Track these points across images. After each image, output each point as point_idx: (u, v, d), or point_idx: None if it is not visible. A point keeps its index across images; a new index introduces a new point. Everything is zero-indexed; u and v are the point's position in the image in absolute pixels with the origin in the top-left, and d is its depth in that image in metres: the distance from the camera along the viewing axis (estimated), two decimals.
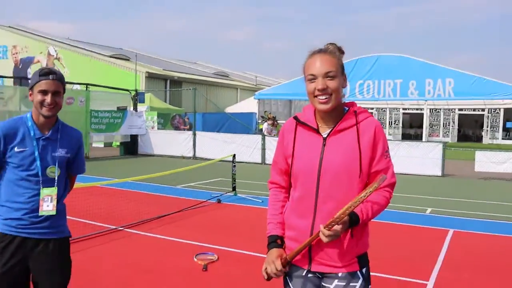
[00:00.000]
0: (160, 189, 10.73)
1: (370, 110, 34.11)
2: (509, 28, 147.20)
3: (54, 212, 2.71)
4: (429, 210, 9.30)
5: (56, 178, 2.74)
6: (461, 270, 5.56)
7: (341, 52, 2.24)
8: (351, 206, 1.96)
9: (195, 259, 5.57)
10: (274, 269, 2.14)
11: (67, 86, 21.27)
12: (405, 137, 32.74)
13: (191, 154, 18.95)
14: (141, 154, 20.09)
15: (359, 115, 2.19)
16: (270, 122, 18.98)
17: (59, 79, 2.70)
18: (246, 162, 17.06)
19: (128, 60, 30.26)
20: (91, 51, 30.94)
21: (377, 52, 22.86)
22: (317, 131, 2.19)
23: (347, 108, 2.23)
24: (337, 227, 1.99)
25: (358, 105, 2.27)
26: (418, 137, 30.50)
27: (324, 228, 1.99)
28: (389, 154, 2.22)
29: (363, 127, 2.16)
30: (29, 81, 2.77)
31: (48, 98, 2.64)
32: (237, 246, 6.22)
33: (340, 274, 2.14)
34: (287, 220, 2.26)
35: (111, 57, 30.12)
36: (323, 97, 2.09)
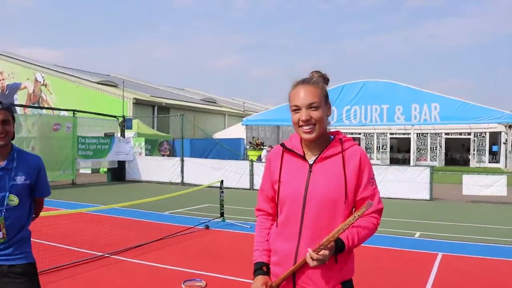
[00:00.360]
0: (147, 216, 10.63)
1: (357, 135, 34.40)
2: (493, 54, 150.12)
3: (4, 240, 2.76)
4: (418, 234, 9.29)
5: (4, 209, 2.77)
6: None
7: (326, 80, 2.29)
8: (339, 231, 1.97)
9: (183, 286, 5.48)
10: None
11: (55, 112, 21.31)
12: (393, 161, 32.98)
13: (179, 180, 18.87)
14: (128, 180, 19.97)
15: (344, 143, 2.23)
16: (269, 148, 19.01)
17: (7, 108, 2.77)
18: (234, 188, 17.00)
19: (115, 86, 30.30)
20: (79, 77, 30.95)
21: (363, 78, 23.17)
22: (303, 158, 2.22)
23: (332, 137, 2.28)
24: (325, 252, 1.99)
25: (343, 134, 2.31)
26: (406, 162, 30.72)
27: (313, 251, 1.99)
28: (375, 181, 2.26)
29: (349, 155, 2.20)
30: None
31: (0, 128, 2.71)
32: (225, 272, 6.14)
33: None
34: (272, 245, 2.27)
35: (98, 83, 30.15)
36: (307, 127, 2.14)
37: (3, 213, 2.77)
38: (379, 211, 2.24)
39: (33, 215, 3.04)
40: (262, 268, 2.23)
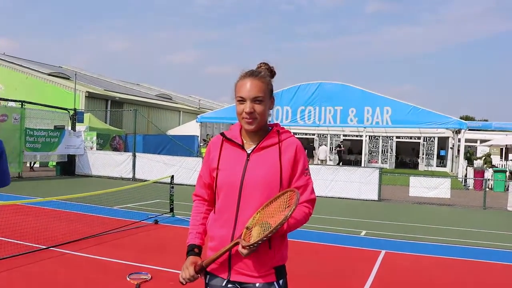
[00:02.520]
0: (95, 210, 10.43)
1: (311, 136, 34.84)
2: (445, 61, 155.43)
3: None
4: (363, 232, 9.54)
5: None
6: None
7: (272, 74, 2.37)
8: (272, 231, 2.02)
9: (128, 279, 5.41)
10: (188, 274, 2.20)
11: (2, 102, 20.55)
12: (345, 162, 33.57)
13: (130, 176, 18.61)
14: (78, 174, 19.54)
15: (281, 134, 2.33)
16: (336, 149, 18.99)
17: None
18: (186, 185, 16.91)
19: (67, 79, 29.51)
20: (28, 68, 29.93)
21: (318, 79, 23.52)
22: (242, 147, 2.31)
23: (270, 128, 2.37)
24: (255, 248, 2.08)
25: (281, 126, 2.41)
26: (358, 163, 31.32)
27: (244, 248, 2.06)
28: (309, 172, 2.34)
29: (285, 146, 2.29)
30: None
31: None
32: (171, 265, 6.13)
33: (257, 285, 2.20)
34: (210, 232, 2.34)
35: (49, 75, 29.27)
36: (249, 119, 2.23)
37: None
38: (312, 201, 2.32)
39: None
40: (194, 250, 2.30)
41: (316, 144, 34.19)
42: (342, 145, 31.92)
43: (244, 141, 2.32)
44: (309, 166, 2.44)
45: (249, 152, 2.28)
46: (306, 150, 31.23)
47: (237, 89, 2.28)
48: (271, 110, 2.36)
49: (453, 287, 5.97)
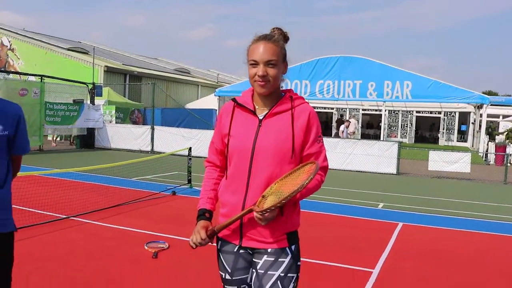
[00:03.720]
0: (114, 181, 10.56)
1: (330, 110, 34.60)
2: (466, 35, 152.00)
3: None
4: (381, 205, 9.50)
5: None
6: (406, 260, 5.71)
7: (286, 39, 2.32)
8: (287, 197, 2.00)
9: (146, 247, 5.51)
10: (199, 238, 2.19)
11: (22, 77, 20.76)
12: (364, 137, 33.31)
13: (149, 149, 18.76)
14: (98, 147, 19.75)
15: (294, 100, 2.28)
16: (347, 123, 18.90)
17: None
18: (204, 157, 16.85)
19: (86, 53, 29.62)
20: (48, 43, 30.08)
21: (338, 53, 23.20)
22: (253, 113, 2.26)
23: (284, 94, 2.32)
24: (272, 214, 2.06)
25: (294, 92, 2.36)
26: (377, 138, 31.05)
27: (260, 213, 2.05)
28: (322, 139, 2.31)
29: (298, 112, 2.25)
30: None
31: None
32: (188, 235, 6.09)
33: (269, 250, 2.19)
34: (221, 198, 2.33)
35: (68, 49, 29.39)
36: (262, 82, 2.18)
37: None
38: (324, 169, 2.29)
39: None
40: (204, 214, 2.29)
41: (334, 119, 33.98)
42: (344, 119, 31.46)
43: (256, 107, 2.28)
44: (326, 139, 2.39)
45: (261, 118, 2.24)
46: (336, 123, 31.44)
47: (250, 53, 2.23)
48: (284, 76, 2.31)
49: (471, 259, 5.92)
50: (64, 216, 6.87)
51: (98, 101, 20.67)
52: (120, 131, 19.72)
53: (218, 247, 2.33)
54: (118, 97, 24.93)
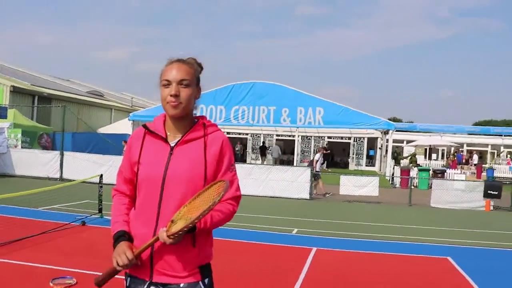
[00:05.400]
0: (18, 212, 9.91)
1: (245, 136, 34.96)
2: (373, 65, 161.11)
3: None
4: (295, 230, 9.67)
5: None
6: (320, 285, 5.82)
7: (200, 67, 2.30)
8: (198, 217, 1.95)
9: (51, 284, 5.20)
10: (125, 259, 2.05)
11: None
12: (276, 162, 33.90)
13: (57, 175, 17.86)
14: (0, 174, 18.51)
15: (207, 127, 2.25)
16: (321, 151, 17.73)
17: None
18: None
19: None
20: None
21: (252, 79, 23.63)
22: (165, 140, 2.21)
23: (196, 120, 2.28)
24: (178, 238, 2.01)
25: (207, 119, 2.33)
26: (290, 163, 31.73)
27: (168, 236, 1.98)
28: (235, 168, 2.29)
29: (211, 140, 2.21)
30: None
31: None
32: (98, 268, 5.86)
33: (182, 285, 2.12)
34: (131, 229, 2.21)
35: None
36: (175, 102, 2.13)
37: None
38: (237, 198, 2.27)
39: None
40: (124, 235, 2.16)
41: (249, 145, 34.44)
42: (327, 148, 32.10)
43: (168, 134, 2.22)
44: (241, 165, 2.39)
45: (172, 145, 2.18)
46: (259, 150, 32.53)
47: (163, 74, 2.19)
48: (199, 102, 2.28)
49: (380, 280, 6.16)
50: None
51: (2, 123, 19.46)
52: (26, 157, 18.61)
53: (127, 284, 2.22)
54: (25, 119, 23.60)
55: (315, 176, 16.44)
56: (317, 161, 17.24)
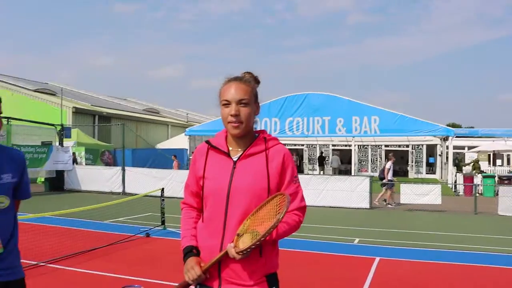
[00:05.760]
0: (86, 225, 10.31)
1: (300, 147, 34.86)
2: (428, 71, 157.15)
3: (1, 250, 2.38)
4: (357, 240, 9.51)
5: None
6: None
7: (257, 81, 2.35)
8: (264, 235, 1.99)
9: None
10: (194, 274, 2.14)
11: None
12: (335, 172, 33.58)
13: (120, 190, 18.45)
14: (67, 190, 19.32)
15: (268, 141, 2.29)
16: (392, 159, 17.20)
17: None
18: (177, 197, 16.77)
19: (54, 95, 29.33)
20: (14, 84, 29.71)
21: (305, 90, 23.61)
22: (228, 154, 2.26)
23: (257, 135, 2.33)
24: (247, 255, 2.06)
25: (268, 133, 2.37)
26: (347, 173, 31.35)
27: (237, 253, 2.04)
28: (298, 179, 2.31)
29: (272, 153, 2.25)
30: None
31: None
32: (164, 278, 6.04)
33: None
34: (198, 241, 2.28)
35: (35, 91, 29.07)
36: (235, 123, 2.19)
37: None
38: (302, 209, 2.29)
39: None
40: (192, 251, 2.24)
41: (305, 155, 34.34)
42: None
43: (230, 148, 2.28)
44: (299, 175, 2.40)
45: (235, 159, 2.24)
46: (318, 160, 32.67)
47: (222, 93, 2.25)
48: (257, 116, 2.32)
49: None
50: (34, 263, 6.64)
51: (67, 142, 20.37)
52: (90, 173, 19.40)
53: None
54: (87, 138, 24.65)
55: (387, 185, 16.16)
56: (388, 169, 16.79)
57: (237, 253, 2.02)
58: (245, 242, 2.03)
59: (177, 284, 2.23)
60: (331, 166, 31.88)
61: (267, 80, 2.38)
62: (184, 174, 17.63)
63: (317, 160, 33.49)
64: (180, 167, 21.71)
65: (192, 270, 2.15)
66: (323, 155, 33.65)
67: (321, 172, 31.07)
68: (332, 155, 33.33)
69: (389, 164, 16.90)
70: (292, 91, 23.75)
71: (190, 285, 2.19)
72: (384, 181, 16.47)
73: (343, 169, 34.29)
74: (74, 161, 20.42)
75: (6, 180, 2.45)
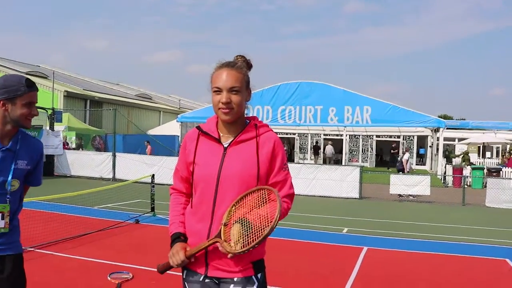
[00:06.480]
0: (75, 210, 10.28)
1: (292, 136, 34.90)
2: (421, 62, 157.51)
3: (6, 230, 2.57)
4: (345, 229, 9.58)
5: (8, 194, 2.57)
6: (371, 285, 5.75)
7: (249, 66, 2.34)
8: (256, 243, 2.01)
9: (109, 278, 5.37)
10: (178, 259, 2.17)
11: None
12: (326, 162, 33.69)
13: (110, 176, 18.40)
14: (57, 175, 19.24)
15: (259, 128, 2.30)
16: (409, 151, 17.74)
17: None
18: (167, 184, 16.75)
19: (45, 78, 29.09)
20: (5, 66, 29.40)
21: (299, 79, 23.57)
22: (218, 140, 2.27)
23: (248, 121, 2.33)
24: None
25: (259, 119, 2.37)
26: (338, 162, 31.45)
27: (229, 256, 2.07)
28: (287, 166, 2.33)
29: (263, 140, 2.26)
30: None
31: (35, 110, 2.64)
32: (152, 264, 5.99)
33: (235, 279, 2.18)
34: (187, 226, 2.30)
35: (27, 74, 28.77)
36: (226, 109, 2.19)
37: (8, 199, 2.56)
38: (291, 196, 2.31)
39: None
40: (179, 237, 2.26)
41: (296, 144, 34.41)
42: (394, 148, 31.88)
43: (221, 134, 2.29)
44: (289, 164, 2.42)
45: (225, 145, 2.25)
46: (313, 149, 32.94)
47: (213, 80, 2.24)
48: (248, 103, 2.32)
49: (434, 281, 6.02)
50: (23, 248, 6.61)
51: (57, 127, 20.23)
52: (81, 158, 19.29)
53: (184, 277, 2.31)
54: (78, 123, 24.48)
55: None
56: (407, 160, 17.08)
57: (230, 254, 2.04)
58: (235, 235, 2.04)
59: (160, 264, 2.28)
60: (324, 153, 32.07)
61: (261, 67, 2.33)
62: (173, 161, 17.60)
63: (311, 149, 33.64)
64: (153, 152, 21.69)
65: (177, 254, 2.18)
66: (318, 144, 33.78)
67: (317, 161, 31.28)
68: (325, 144, 33.41)
69: (406, 156, 17.37)
70: (287, 79, 23.64)
71: (172, 267, 2.23)
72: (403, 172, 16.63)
73: (335, 158, 34.43)
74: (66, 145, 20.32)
75: (21, 166, 2.61)
